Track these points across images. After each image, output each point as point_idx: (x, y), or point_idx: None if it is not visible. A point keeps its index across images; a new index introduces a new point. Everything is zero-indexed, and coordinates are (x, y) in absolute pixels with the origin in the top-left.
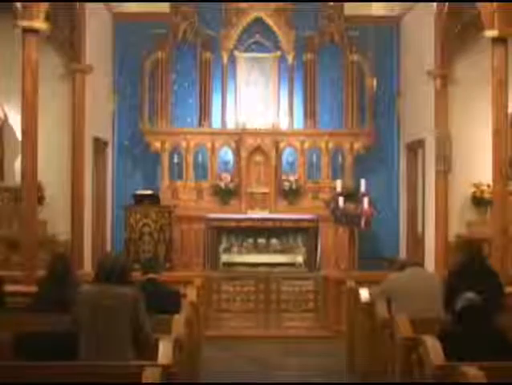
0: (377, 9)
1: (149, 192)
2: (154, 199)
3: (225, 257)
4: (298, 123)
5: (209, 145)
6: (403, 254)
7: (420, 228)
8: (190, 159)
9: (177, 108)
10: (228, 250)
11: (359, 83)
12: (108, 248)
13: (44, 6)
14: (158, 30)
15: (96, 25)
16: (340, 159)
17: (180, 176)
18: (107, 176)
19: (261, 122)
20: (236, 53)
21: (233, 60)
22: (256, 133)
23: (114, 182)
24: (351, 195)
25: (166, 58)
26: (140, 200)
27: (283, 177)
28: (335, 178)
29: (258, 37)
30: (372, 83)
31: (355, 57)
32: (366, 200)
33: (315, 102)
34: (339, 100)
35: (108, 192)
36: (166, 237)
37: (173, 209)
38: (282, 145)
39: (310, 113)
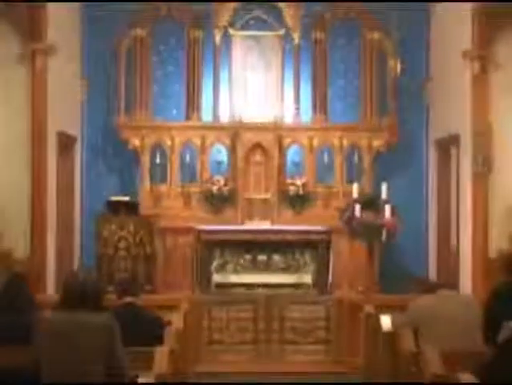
0: None
1: (126, 198)
2: (132, 207)
3: (217, 277)
4: (306, 116)
5: (198, 142)
6: (433, 273)
7: (453, 242)
8: (176, 158)
9: (160, 97)
10: (221, 268)
11: (380, 67)
12: (76, 266)
13: None
14: (135, 5)
15: None
16: (357, 159)
17: (163, 180)
18: (75, 179)
19: (261, 114)
20: (231, 31)
21: (227, 40)
22: (255, 127)
23: (83, 186)
24: (370, 202)
25: (146, 37)
26: (115, 208)
27: (288, 181)
28: (350, 182)
29: (258, 11)
30: (396, 66)
31: (376, 35)
32: (388, 209)
33: (326, 90)
34: (355, 88)
35: (77, 199)
36: (147, 253)
37: (155, 219)
38: (286, 142)
39: (320, 103)
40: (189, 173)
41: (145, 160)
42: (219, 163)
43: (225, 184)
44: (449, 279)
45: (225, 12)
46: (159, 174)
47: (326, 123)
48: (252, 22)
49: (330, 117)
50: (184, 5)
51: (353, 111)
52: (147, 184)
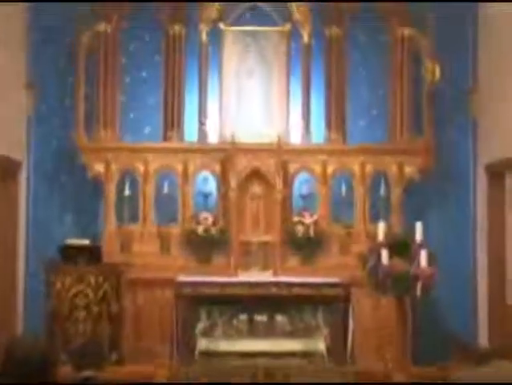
0: None
1: (86, 242)
2: (94, 253)
3: (203, 343)
4: (318, 135)
5: (179, 168)
6: (484, 337)
7: (510, 295)
8: (150, 190)
9: (130, 111)
10: (209, 332)
11: (413, 72)
12: (20, 329)
13: None
14: None
15: None
16: (383, 189)
17: (134, 218)
18: (19, 216)
19: (260, 133)
20: (222, 26)
21: (217, 37)
22: (252, 150)
23: (30, 225)
24: (401, 246)
25: (112, 34)
26: (71, 254)
27: (295, 219)
28: (375, 220)
29: (256, 1)
30: (434, 71)
31: (408, 31)
32: (424, 254)
33: (344, 102)
34: (381, 99)
35: (21, 241)
36: (112, 312)
37: (124, 269)
38: (292, 169)
39: (335, 119)
40: (168, 209)
41: (111, 191)
42: (206, 195)
43: (214, 224)
44: (507, 345)
45: (214, 2)
46: (128, 210)
47: (343, 144)
48: (249, 14)
49: (349, 136)
50: None
51: (378, 129)
52: (112, 223)
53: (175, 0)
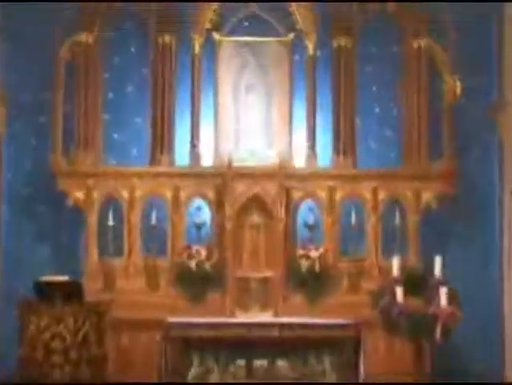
0: None
1: (64, 277)
2: (73, 290)
3: None
4: (325, 158)
5: (169, 195)
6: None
7: None
8: (136, 219)
9: (114, 131)
10: (202, 379)
11: (431, 87)
12: None
13: None
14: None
15: None
16: (398, 219)
17: (118, 250)
18: None
19: (260, 155)
20: (216, 36)
21: (211, 48)
22: (251, 174)
23: (1, 259)
24: (418, 283)
25: (95, 45)
26: (47, 292)
27: (299, 252)
28: (388, 253)
29: (256, 8)
30: (455, 86)
31: (424, 41)
32: (444, 292)
33: (354, 120)
34: (395, 117)
35: None
36: (93, 356)
37: (107, 308)
38: (296, 196)
39: (344, 140)
40: (156, 241)
41: (92, 221)
42: (199, 226)
43: (208, 258)
44: None
45: (208, 9)
46: (112, 242)
47: (353, 168)
48: (247, 23)
49: (359, 160)
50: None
51: (392, 152)
52: (94, 256)
53: (165, 0)
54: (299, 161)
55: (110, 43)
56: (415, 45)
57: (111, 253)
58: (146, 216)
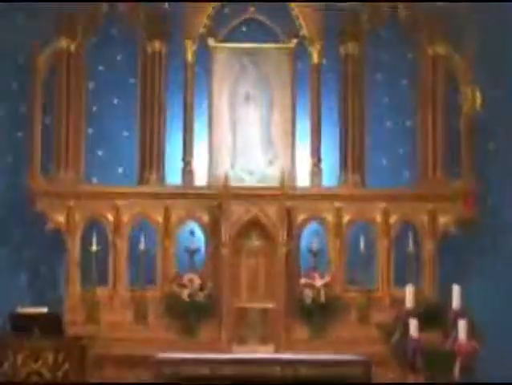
0: None
1: (43, 309)
2: (52, 323)
3: None
4: (331, 176)
5: (159, 219)
6: None
7: None
8: (123, 245)
9: (98, 148)
10: None
11: (448, 98)
12: None
13: None
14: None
15: None
16: (411, 245)
17: (103, 279)
18: None
19: (259, 174)
20: (211, 42)
21: (205, 56)
22: (250, 195)
23: None
24: (434, 315)
25: (77, 53)
26: (24, 325)
27: (302, 281)
28: (401, 282)
29: (254, 11)
30: (474, 97)
31: (440, 48)
32: (463, 325)
33: (363, 135)
34: (409, 132)
35: None
36: None
37: (90, 343)
38: (299, 218)
39: (353, 157)
40: (144, 269)
41: (74, 246)
42: (192, 252)
43: (202, 287)
44: None
45: (203, 13)
46: (96, 270)
47: (362, 187)
48: (245, 28)
49: (369, 178)
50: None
51: (405, 169)
52: (76, 286)
53: (154, 0)
54: (303, 180)
55: (94, 50)
56: (430, 52)
57: (94, 282)
58: (133, 241)
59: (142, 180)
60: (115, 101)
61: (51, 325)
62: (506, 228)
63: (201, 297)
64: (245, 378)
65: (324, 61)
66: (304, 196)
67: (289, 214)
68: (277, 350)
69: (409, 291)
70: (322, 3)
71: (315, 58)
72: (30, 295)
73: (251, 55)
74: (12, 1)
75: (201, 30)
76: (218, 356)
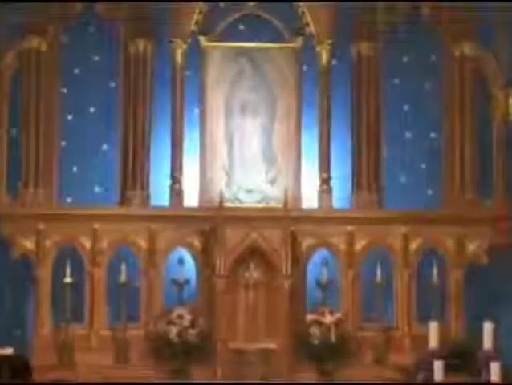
0: None
1: (8, 350)
2: (19, 367)
3: None
4: (341, 196)
5: (143, 244)
6: None
7: None
8: (101, 276)
9: (73, 163)
10: None
11: (478, 107)
12: None
13: None
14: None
15: None
16: (436, 275)
17: (78, 316)
18: None
19: (259, 192)
20: (204, 41)
21: (197, 57)
22: (249, 217)
23: None
24: (462, 356)
25: (49, 53)
26: None
27: (310, 317)
28: (424, 319)
29: (253, 6)
30: (507, 104)
31: (469, 49)
32: (495, 368)
33: (379, 148)
34: (432, 145)
35: None
36: None
37: None
38: (306, 244)
39: (367, 173)
40: (126, 304)
41: (44, 277)
42: (181, 284)
43: (193, 325)
44: None
45: (194, 8)
46: (70, 305)
47: (379, 208)
48: (243, 25)
49: (386, 198)
50: None
51: (428, 188)
52: (47, 323)
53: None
54: (310, 200)
55: (68, 51)
56: (457, 52)
57: (68, 319)
58: (113, 271)
59: (124, 201)
60: (93, 109)
61: (17, 369)
62: None
63: (191, 336)
64: None
65: (334, 62)
66: (311, 219)
67: (293, 240)
68: None
69: (433, 329)
70: None
71: (324, 59)
72: None
73: (250, 56)
74: None
75: (192, 27)
76: None
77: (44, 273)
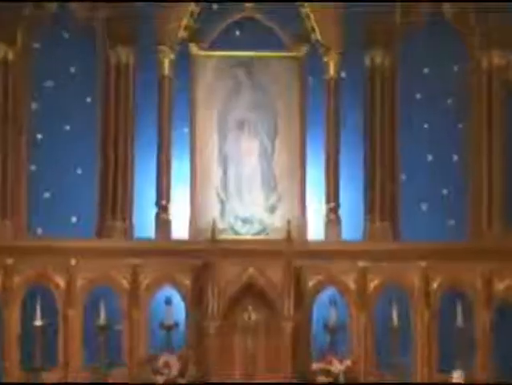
0: None
1: None
2: None
3: None
4: (351, 227)
5: (125, 283)
6: None
7: None
8: (77, 317)
9: (46, 189)
10: None
11: (509, 122)
12: None
13: None
14: None
15: None
16: (460, 317)
17: (51, 361)
18: None
19: (258, 223)
20: (194, 49)
21: (186, 67)
22: (246, 251)
23: None
24: None
25: (18, 63)
26: None
27: (316, 365)
28: (447, 367)
29: (251, 9)
30: None
31: (497, 58)
32: None
33: (395, 172)
34: (455, 168)
35: None
36: None
37: None
38: (312, 282)
39: (381, 201)
40: (106, 349)
41: (12, 319)
42: (169, 327)
43: (182, 373)
44: None
45: (184, 12)
46: (41, 350)
47: (394, 241)
48: (239, 31)
49: (403, 229)
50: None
51: (451, 218)
52: (15, 369)
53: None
54: (316, 232)
55: (40, 60)
56: (484, 62)
57: (38, 366)
58: (91, 312)
59: (102, 232)
60: (67, 127)
61: None
62: None
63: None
64: None
65: (344, 74)
66: (317, 253)
67: (297, 277)
68: None
69: (458, 378)
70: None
71: (332, 70)
72: None
73: (247, 67)
74: None
75: (181, 33)
76: None
77: (11, 314)
